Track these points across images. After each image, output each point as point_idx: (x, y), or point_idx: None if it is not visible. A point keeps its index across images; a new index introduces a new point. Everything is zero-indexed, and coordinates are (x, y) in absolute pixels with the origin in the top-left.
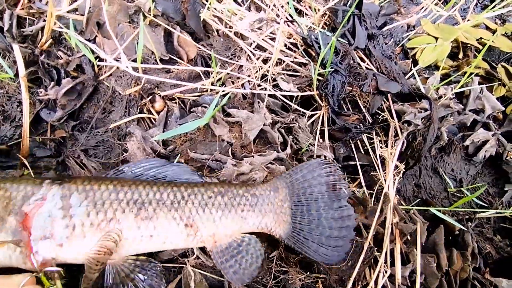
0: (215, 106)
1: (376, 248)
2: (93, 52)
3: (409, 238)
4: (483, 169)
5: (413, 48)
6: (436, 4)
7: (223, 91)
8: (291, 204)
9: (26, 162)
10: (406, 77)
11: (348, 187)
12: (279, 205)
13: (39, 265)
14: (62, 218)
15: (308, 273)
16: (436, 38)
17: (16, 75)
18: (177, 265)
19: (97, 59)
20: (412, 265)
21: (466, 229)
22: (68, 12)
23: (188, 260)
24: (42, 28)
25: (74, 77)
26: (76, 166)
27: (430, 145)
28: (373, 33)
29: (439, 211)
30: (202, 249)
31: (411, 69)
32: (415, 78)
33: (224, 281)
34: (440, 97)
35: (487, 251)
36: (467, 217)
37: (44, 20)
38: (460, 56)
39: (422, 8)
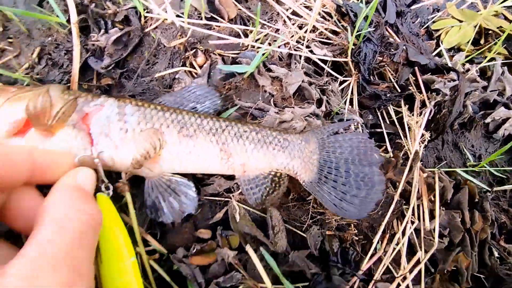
0: (259, 60)
1: (404, 202)
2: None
3: (433, 198)
4: (502, 146)
5: (437, 30)
6: None
7: (265, 49)
8: (319, 157)
9: None
10: (433, 55)
11: (381, 155)
12: (307, 154)
13: (97, 155)
14: (118, 121)
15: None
16: (460, 22)
17: (68, 21)
18: (222, 199)
19: (145, 11)
20: (439, 220)
21: (485, 197)
22: None
23: (233, 195)
24: None
25: (120, 28)
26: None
27: (455, 117)
28: (402, 10)
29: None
30: None
31: (435, 50)
32: (440, 56)
33: (266, 217)
34: (468, 70)
35: (503, 221)
36: (485, 190)
37: None
38: (482, 42)
39: None
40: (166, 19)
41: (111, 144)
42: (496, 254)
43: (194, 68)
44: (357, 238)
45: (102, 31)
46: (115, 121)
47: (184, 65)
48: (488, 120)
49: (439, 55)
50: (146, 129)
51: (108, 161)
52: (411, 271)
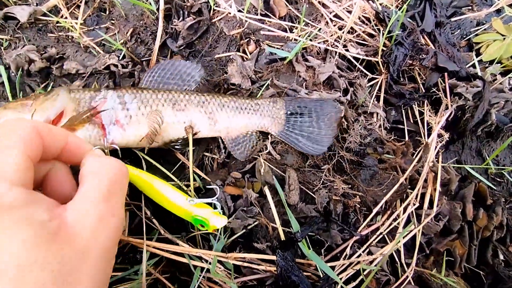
0: (298, 48)
1: (409, 186)
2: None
3: (439, 189)
4: None
5: (479, 43)
6: (510, 6)
7: (304, 40)
8: (286, 112)
9: None
10: (467, 66)
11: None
12: (275, 112)
13: (109, 142)
14: (121, 110)
15: (350, 187)
16: (504, 37)
17: (157, 9)
18: (253, 155)
19: (214, 5)
20: (439, 208)
21: (498, 202)
22: None
23: (261, 154)
24: None
25: (194, 18)
26: None
27: (477, 122)
28: (441, 21)
29: (473, 169)
30: (274, 147)
31: (473, 61)
32: (475, 68)
33: (285, 176)
34: (495, 80)
35: None
36: (503, 199)
37: None
38: None
39: (495, 7)
40: (230, 13)
41: (120, 130)
42: (501, 257)
43: (246, 54)
44: (359, 207)
45: (181, 18)
46: (119, 110)
47: (238, 50)
48: None
49: (475, 66)
50: (149, 112)
51: (120, 143)
52: (404, 237)
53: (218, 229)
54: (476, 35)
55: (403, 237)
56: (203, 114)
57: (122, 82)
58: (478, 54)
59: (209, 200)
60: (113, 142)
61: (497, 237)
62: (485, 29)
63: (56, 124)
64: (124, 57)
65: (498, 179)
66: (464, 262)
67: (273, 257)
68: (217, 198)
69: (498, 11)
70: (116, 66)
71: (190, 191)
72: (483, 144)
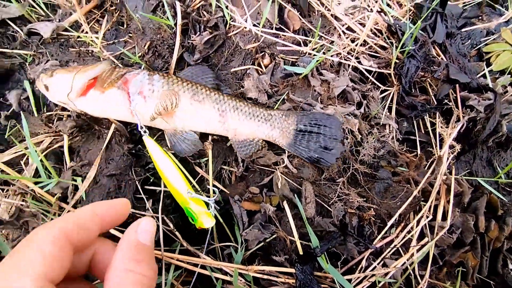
0: (313, 64)
1: (422, 199)
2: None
3: (452, 201)
4: None
5: (489, 53)
6: None
7: (320, 56)
8: (296, 128)
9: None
10: (477, 76)
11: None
12: (286, 126)
13: (132, 109)
14: (148, 84)
15: (365, 199)
16: None
17: (175, 24)
18: (270, 169)
19: (230, 20)
20: (452, 220)
21: (508, 213)
22: None
23: (278, 167)
24: None
25: (210, 32)
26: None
27: (489, 133)
28: (452, 32)
29: (486, 182)
30: (290, 161)
31: (483, 71)
32: (485, 78)
33: (301, 189)
34: (506, 92)
35: None
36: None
37: None
38: None
39: (504, 18)
40: (245, 27)
41: (142, 99)
42: (511, 266)
43: (261, 67)
44: (374, 219)
45: (198, 33)
46: (146, 83)
47: (253, 64)
48: None
49: (486, 76)
50: (167, 90)
51: (140, 111)
52: (418, 251)
53: (205, 228)
54: (486, 44)
55: (417, 251)
56: (216, 111)
57: None
58: (488, 64)
59: (206, 199)
60: (135, 109)
61: (507, 247)
62: (494, 39)
63: (90, 88)
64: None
65: (508, 189)
66: (476, 273)
67: (292, 270)
68: (215, 200)
69: (508, 22)
70: None
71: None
72: (494, 154)
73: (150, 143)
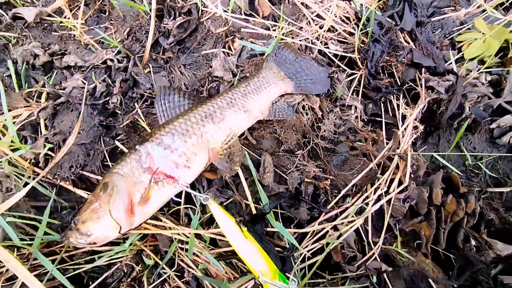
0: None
1: (378, 171)
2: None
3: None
4: (505, 152)
5: (461, 42)
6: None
7: (280, 37)
8: (284, 70)
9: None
10: (446, 64)
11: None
12: (277, 74)
13: (184, 185)
14: (171, 153)
15: (322, 170)
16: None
17: (150, 9)
18: None
19: (202, 6)
20: (408, 192)
21: (472, 191)
22: None
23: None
24: None
25: (183, 17)
26: (178, 72)
27: (452, 114)
28: (422, 21)
29: (442, 156)
30: (250, 133)
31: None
32: (454, 64)
33: (261, 159)
34: (467, 74)
35: (490, 218)
36: (478, 189)
37: None
38: (510, 54)
39: (473, 7)
40: (216, 13)
41: (186, 169)
42: (473, 242)
43: (231, 50)
44: (330, 189)
45: (171, 18)
46: (170, 154)
47: (224, 47)
48: (493, 125)
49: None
50: (197, 140)
51: (191, 179)
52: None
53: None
54: (460, 35)
55: (371, 217)
56: (238, 111)
57: (117, 75)
58: (460, 53)
59: (278, 284)
60: (185, 184)
61: (470, 224)
62: (469, 29)
63: (133, 207)
64: (119, 52)
65: (476, 171)
66: (430, 243)
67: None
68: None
69: (482, 12)
70: (112, 60)
71: None
72: (461, 137)
73: (216, 210)
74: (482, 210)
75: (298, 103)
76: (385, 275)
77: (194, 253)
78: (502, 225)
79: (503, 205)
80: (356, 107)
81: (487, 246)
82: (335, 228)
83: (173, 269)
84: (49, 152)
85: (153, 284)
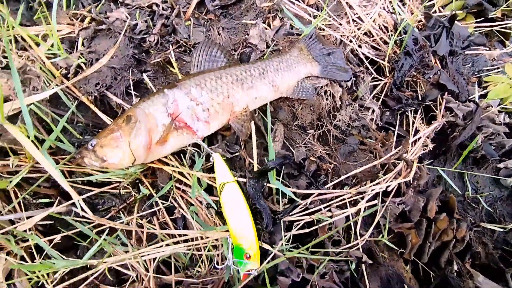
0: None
1: (380, 170)
2: None
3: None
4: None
5: (488, 82)
6: None
7: (322, 29)
8: (312, 54)
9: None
10: (469, 97)
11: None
12: (306, 56)
13: (200, 138)
14: (196, 106)
15: (328, 154)
16: None
17: None
18: None
19: None
20: (405, 198)
21: (464, 220)
22: None
23: None
24: None
25: None
26: (215, 32)
27: (462, 141)
28: (455, 50)
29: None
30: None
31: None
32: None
33: (274, 127)
34: (487, 107)
35: (478, 250)
36: (472, 220)
37: None
38: None
39: (507, 50)
40: None
41: (206, 125)
42: (455, 267)
43: (270, 27)
44: (332, 173)
45: None
46: (195, 106)
47: (264, 22)
48: (501, 165)
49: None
50: (222, 100)
51: (207, 134)
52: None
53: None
54: (487, 75)
55: (364, 210)
56: (268, 85)
57: (158, 20)
58: (484, 90)
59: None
60: (202, 137)
61: (456, 249)
62: (498, 71)
63: (151, 145)
64: (165, 2)
65: (473, 205)
66: (414, 251)
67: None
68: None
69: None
70: (157, 5)
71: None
72: (467, 168)
73: (220, 163)
74: (471, 241)
75: (321, 87)
76: (363, 267)
77: (189, 197)
78: (487, 261)
79: (492, 242)
80: (373, 110)
81: (468, 276)
82: (329, 210)
83: (164, 205)
84: (82, 66)
85: (142, 213)
